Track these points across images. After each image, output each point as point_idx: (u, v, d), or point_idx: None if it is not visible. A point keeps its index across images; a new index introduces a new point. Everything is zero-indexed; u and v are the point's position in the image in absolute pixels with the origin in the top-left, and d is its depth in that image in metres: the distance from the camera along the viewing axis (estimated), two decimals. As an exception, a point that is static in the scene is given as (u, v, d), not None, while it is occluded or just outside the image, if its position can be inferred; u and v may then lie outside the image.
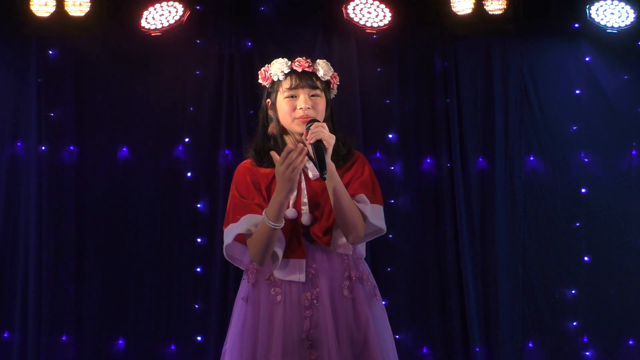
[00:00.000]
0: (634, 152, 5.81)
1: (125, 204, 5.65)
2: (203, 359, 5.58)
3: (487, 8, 5.44)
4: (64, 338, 5.58)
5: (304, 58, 3.32)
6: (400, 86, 5.76)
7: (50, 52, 5.60)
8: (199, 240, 5.64)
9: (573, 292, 5.76)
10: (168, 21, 5.47)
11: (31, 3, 5.28)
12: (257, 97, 5.55)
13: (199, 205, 5.64)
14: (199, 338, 5.61)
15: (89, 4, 5.31)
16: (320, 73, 3.32)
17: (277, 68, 3.31)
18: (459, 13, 5.45)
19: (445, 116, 5.73)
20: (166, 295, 5.64)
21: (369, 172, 3.33)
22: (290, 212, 3.26)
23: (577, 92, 5.81)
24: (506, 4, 5.43)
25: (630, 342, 5.75)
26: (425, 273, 5.72)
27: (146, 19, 5.44)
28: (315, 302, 3.23)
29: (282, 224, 3.20)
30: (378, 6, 5.53)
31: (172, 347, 5.63)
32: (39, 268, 5.53)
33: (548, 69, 5.81)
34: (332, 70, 3.36)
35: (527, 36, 5.75)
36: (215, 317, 5.56)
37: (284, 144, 3.32)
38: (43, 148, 5.58)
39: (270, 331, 3.22)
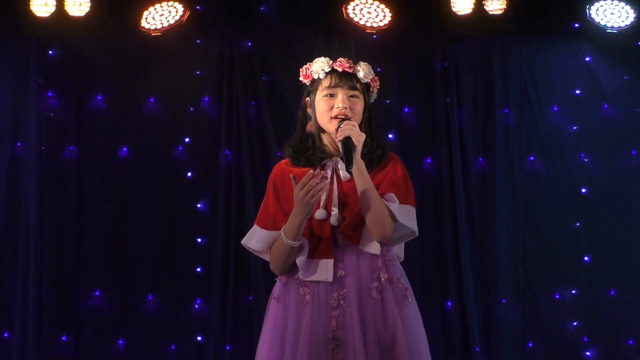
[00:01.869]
0: (634, 152, 5.81)
1: (125, 204, 5.65)
2: (203, 359, 5.59)
3: (487, 8, 5.44)
4: (63, 338, 5.58)
5: (345, 59, 3.33)
6: (400, 86, 5.76)
7: (50, 52, 5.61)
8: (199, 240, 5.64)
9: (573, 292, 5.75)
10: (168, 21, 5.47)
11: (31, 3, 5.28)
12: (258, 97, 5.65)
13: (199, 205, 5.64)
14: (199, 338, 5.61)
15: (89, 4, 5.32)
16: (361, 75, 3.33)
17: (319, 66, 3.33)
18: (459, 13, 5.45)
19: (445, 116, 5.73)
20: (166, 295, 5.64)
21: (402, 172, 3.32)
22: (320, 213, 3.27)
23: (577, 92, 5.81)
24: (506, 4, 5.44)
25: (630, 342, 5.75)
26: (425, 273, 5.71)
27: (146, 19, 5.45)
28: (342, 302, 3.23)
29: (301, 242, 3.24)
30: (378, 6, 5.53)
31: (172, 347, 5.63)
32: (39, 268, 5.53)
33: (548, 69, 5.81)
34: (372, 73, 3.37)
35: (527, 36, 5.74)
36: (216, 317, 5.56)
37: (322, 142, 3.35)
38: (43, 148, 5.58)
39: (298, 330, 3.23)
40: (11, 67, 5.60)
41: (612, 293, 5.77)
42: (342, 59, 3.34)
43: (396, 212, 3.23)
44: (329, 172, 3.32)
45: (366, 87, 3.36)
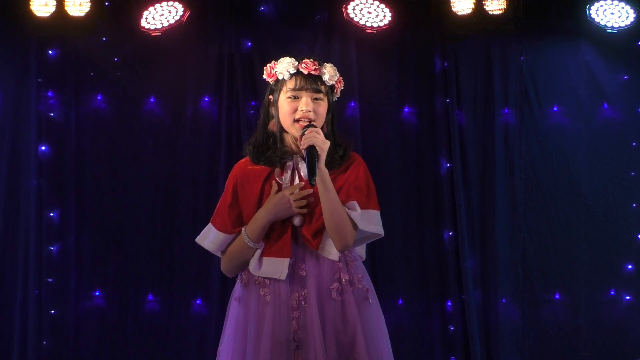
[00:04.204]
0: (634, 152, 5.81)
1: (125, 203, 5.65)
2: (203, 359, 5.59)
3: (487, 8, 5.44)
4: (64, 338, 5.58)
5: (311, 60, 3.29)
6: (400, 86, 5.76)
7: (50, 52, 5.61)
8: (199, 240, 5.63)
9: (573, 292, 5.75)
10: (168, 21, 5.47)
11: (31, 3, 5.29)
12: (258, 97, 5.65)
13: (198, 205, 5.64)
14: (199, 338, 5.61)
15: (89, 4, 5.32)
16: (326, 77, 3.29)
17: (284, 67, 3.28)
18: (459, 13, 5.45)
19: (445, 116, 5.73)
20: (166, 295, 5.64)
21: (365, 175, 3.30)
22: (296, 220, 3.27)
23: (577, 92, 5.81)
24: (506, 4, 5.44)
25: (630, 342, 5.75)
26: (425, 273, 5.71)
27: (146, 19, 5.45)
28: (303, 303, 3.22)
29: (261, 245, 3.26)
30: (378, 6, 5.53)
31: (172, 347, 5.62)
32: (39, 268, 5.53)
33: (548, 69, 5.81)
34: (337, 74, 3.34)
35: (527, 36, 5.75)
36: (215, 317, 5.56)
37: (283, 142, 3.32)
38: (43, 148, 5.58)
39: (259, 331, 3.22)
40: (11, 67, 5.60)
41: (612, 293, 5.77)
42: (308, 60, 3.28)
43: (358, 221, 3.21)
44: (289, 172, 3.30)
45: (330, 89, 3.32)
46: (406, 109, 5.78)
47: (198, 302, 5.64)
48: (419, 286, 5.70)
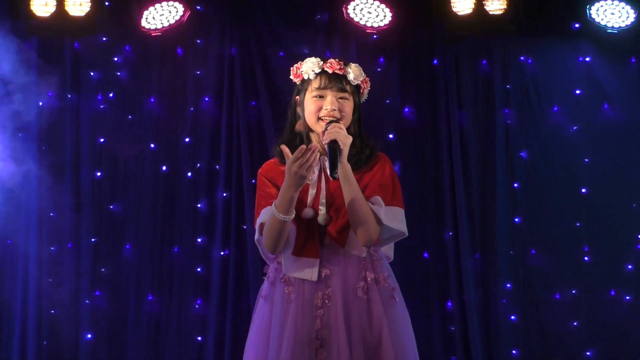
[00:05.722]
0: (634, 152, 5.81)
1: (125, 204, 5.65)
2: (203, 359, 5.59)
3: (487, 8, 5.45)
4: (64, 338, 5.58)
5: (336, 60, 3.33)
6: (401, 86, 5.76)
7: (51, 52, 5.60)
8: (199, 240, 5.64)
9: (573, 292, 5.75)
10: (168, 21, 5.48)
11: (31, 3, 5.30)
12: (258, 97, 5.65)
13: (199, 205, 5.64)
14: (199, 338, 5.61)
15: (89, 4, 5.33)
16: (351, 77, 3.33)
17: (309, 67, 3.33)
18: (459, 13, 5.46)
19: (446, 116, 5.73)
20: (166, 295, 5.64)
21: (390, 173, 3.33)
22: (308, 212, 3.28)
23: (577, 92, 5.81)
24: (506, 4, 5.45)
25: (630, 342, 5.75)
26: (425, 273, 5.72)
27: (146, 19, 5.46)
28: (327, 302, 3.24)
29: (293, 216, 3.21)
30: (378, 6, 5.54)
31: (172, 347, 5.62)
32: (39, 268, 5.53)
33: (548, 69, 5.81)
34: (363, 74, 3.38)
35: (527, 36, 5.75)
36: (215, 317, 5.56)
37: (310, 142, 3.34)
38: (43, 148, 5.58)
39: (282, 329, 3.24)
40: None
41: (612, 293, 5.77)
42: (333, 60, 3.33)
43: (382, 216, 3.23)
44: (316, 171, 3.32)
45: (356, 89, 3.36)
46: (406, 109, 5.78)
47: (198, 302, 5.64)
48: (419, 286, 5.70)
